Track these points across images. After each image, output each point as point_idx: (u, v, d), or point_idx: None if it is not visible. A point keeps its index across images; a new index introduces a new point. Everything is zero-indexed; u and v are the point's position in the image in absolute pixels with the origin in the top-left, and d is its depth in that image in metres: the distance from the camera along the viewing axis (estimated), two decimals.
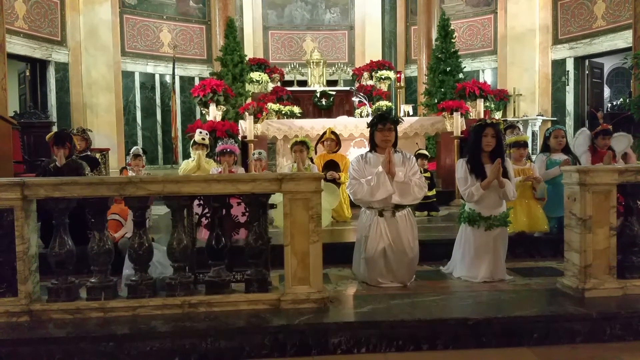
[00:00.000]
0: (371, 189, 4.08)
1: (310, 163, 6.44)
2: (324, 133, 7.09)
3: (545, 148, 5.58)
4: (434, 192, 7.27)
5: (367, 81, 13.31)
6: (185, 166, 6.81)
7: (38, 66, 12.68)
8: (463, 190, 4.32)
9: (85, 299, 3.48)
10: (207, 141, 6.79)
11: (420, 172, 4.43)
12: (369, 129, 4.41)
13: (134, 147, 7.06)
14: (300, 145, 6.37)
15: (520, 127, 7.89)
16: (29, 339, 3.14)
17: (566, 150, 5.49)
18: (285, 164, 8.23)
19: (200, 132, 6.80)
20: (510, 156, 5.19)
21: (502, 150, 4.34)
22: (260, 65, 13.40)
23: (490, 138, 4.25)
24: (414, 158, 4.41)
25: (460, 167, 4.35)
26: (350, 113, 11.64)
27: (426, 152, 7.69)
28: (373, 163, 4.23)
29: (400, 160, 4.23)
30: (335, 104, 12.63)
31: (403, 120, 4.61)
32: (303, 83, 13.79)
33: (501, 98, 13.84)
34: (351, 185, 4.23)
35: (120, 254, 4.20)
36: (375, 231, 4.14)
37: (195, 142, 6.76)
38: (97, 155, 8.29)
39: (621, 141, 6.08)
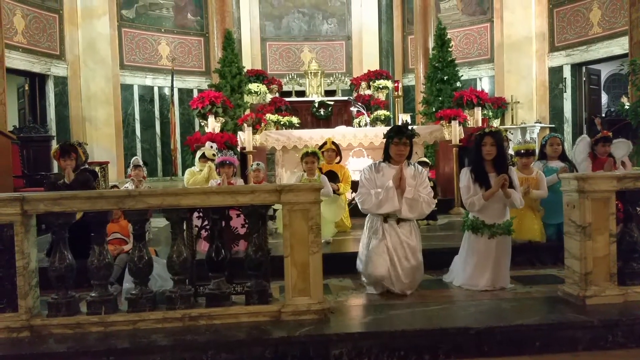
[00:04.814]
0: (379, 202, 4.11)
1: (321, 174, 6.35)
2: (324, 143, 7.05)
3: (542, 156, 5.62)
4: (435, 200, 7.22)
5: (365, 91, 13.33)
6: (189, 176, 6.64)
7: (37, 80, 12.72)
8: (465, 200, 4.34)
9: (86, 313, 3.47)
10: (215, 156, 6.69)
11: None
12: (384, 139, 4.39)
13: (134, 158, 7.01)
14: (312, 157, 6.26)
15: (511, 137, 7.83)
16: (29, 355, 3.14)
17: (563, 157, 5.51)
18: (284, 174, 8.22)
19: (212, 147, 6.70)
20: (516, 164, 5.16)
21: (504, 159, 4.34)
22: (259, 76, 13.42)
23: (490, 147, 4.26)
24: (426, 172, 4.41)
25: (465, 176, 4.36)
26: (349, 123, 11.66)
27: (427, 161, 7.65)
28: (385, 174, 4.23)
29: (412, 173, 4.24)
30: (333, 114, 12.66)
31: (419, 135, 4.58)
32: (301, 93, 13.83)
33: (499, 106, 13.88)
34: (361, 194, 4.24)
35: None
36: (380, 237, 4.16)
37: (204, 155, 6.67)
38: (97, 169, 8.28)
39: (621, 147, 6.07)
